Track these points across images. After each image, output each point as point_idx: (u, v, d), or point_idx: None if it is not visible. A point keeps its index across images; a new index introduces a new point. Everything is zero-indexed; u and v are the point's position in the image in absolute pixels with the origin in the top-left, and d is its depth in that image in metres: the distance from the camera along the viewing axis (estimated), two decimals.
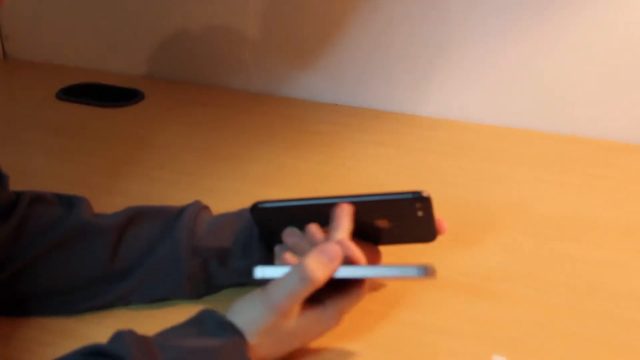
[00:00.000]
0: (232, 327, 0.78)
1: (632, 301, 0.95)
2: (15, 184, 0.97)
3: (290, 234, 0.90)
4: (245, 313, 0.79)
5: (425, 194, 0.88)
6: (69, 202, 0.97)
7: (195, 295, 0.95)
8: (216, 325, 0.78)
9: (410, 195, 0.89)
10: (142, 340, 0.74)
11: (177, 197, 1.18)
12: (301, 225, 0.90)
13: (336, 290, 0.81)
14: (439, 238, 0.96)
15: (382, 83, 1.56)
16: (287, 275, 0.78)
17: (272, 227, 0.92)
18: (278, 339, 0.79)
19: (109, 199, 1.16)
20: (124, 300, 0.94)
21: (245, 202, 1.15)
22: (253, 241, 0.94)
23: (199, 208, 0.97)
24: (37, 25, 1.85)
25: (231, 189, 1.23)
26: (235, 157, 1.36)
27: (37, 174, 1.28)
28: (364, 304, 0.84)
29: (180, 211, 0.96)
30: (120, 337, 0.74)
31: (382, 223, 0.91)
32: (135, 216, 0.96)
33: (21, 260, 0.89)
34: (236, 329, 0.77)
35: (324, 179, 1.26)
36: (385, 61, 1.55)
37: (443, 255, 1.03)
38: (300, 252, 0.87)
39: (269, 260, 0.93)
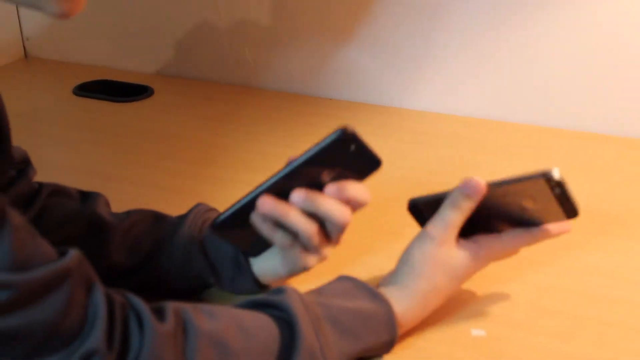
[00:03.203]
0: (381, 295, 0.79)
1: (602, 278, 0.95)
2: (37, 175, 0.95)
3: (265, 202, 0.79)
4: (406, 257, 0.82)
5: (344, 127, 0.77)
6: (87, 198, 0.95)
7: (194, 292, 0.92)
8: (366, 292, 0.79)
9: (336, 136, 0.77)
10: (300, 294, 0.75)
11: (183, 185, 1.22)
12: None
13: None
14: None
15: (372, 78, 1.57)
16: (441, 209, 0.82)
17: (240, 233, 0.84)
18: (442, 271, 0.81)
19: (122, 187, 1.19)
20: None
21: (245, 191, 1.16)
22: (239, 264, 0.89)
23: (199, 216, 0.91)
24: (55, 27, 1.86)
25: (232, 178, 1.22)
26: (237, 148, 1.36)
27: (55, 164, 1.27)
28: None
29: (182, 220, 0.91)
30: (282, 291, 0.75)
31: (331, 174, 0.80)
32: (142, 218, 0.93)
33: None
34: (385, 298, 0.78)
35: None
36: (376, 58, 1.55)
37: None
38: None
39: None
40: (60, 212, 0.92)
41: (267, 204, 0.78)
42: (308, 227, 0.78)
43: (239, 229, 0.82)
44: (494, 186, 0.81)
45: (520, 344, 0.82)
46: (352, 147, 0.78)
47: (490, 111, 1.48)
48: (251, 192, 0.80)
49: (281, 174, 0.79)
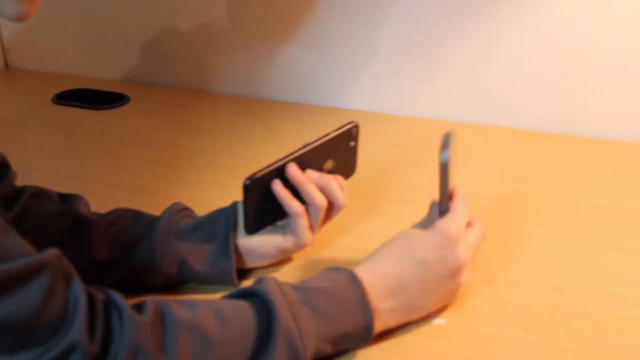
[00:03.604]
0: (346, 270, 0.80)
1: (550, 268, 0.97)
2: (18, 179, 0.96)
3: (293, 168, 0.89)
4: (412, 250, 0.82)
5: (356, 122, 0.92)
6: (67, 199, 0.95)
7: (171, 286, 0.92)
8: (332, 271, 0.81)
9: (349, 126, 0.92)
10: (279, 282, 0.76)
11: (159, 186, 1.22)
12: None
13: None
14: (397, 216, 0.99)
15: (329, 83, 1.59)
16: (458, 212, 0.84)
17: (258, 199, 0.87)
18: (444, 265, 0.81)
19: (102, 190, 1.19)
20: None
21: (216, 191, 1.19)
22: (224, 247, 0.90)
23: (176, 211, 0.93)
24: (35, 38, 1.85)
25: (204, 179, 1.23)
26: (208, 151, 1.36)
27: (36, 169, 1.26)
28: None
29: (160, 215, 0.93)
30: (261, 280, 0.76)
31: (328, 165, 0.91)
32: (122, 215, 0.93)
33: None
34: (350, 271, 0.79)
35: None
36: (333, 65, 1.56)
37: (389, 232, 1.01)
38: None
39: (240, 262, 0.92)
40: (42, 212, 0.92)
41: (295, 170, 0.88)
42: (321, 199, 0.89)
43: (259, 196, 0.87)
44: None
45: (477, 331, 0.83)
46: (352, 143, 0.94)
47: (440, 112, 1.50)
48: (276, 162, 0.88)
49: (300, 152, 0.89)
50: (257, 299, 0.74)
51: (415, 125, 1.47)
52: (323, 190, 0.89)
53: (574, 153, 1.33)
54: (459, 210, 0.84)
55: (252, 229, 0.89)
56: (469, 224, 0.86)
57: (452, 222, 0.83)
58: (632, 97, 1.36)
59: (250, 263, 0.92)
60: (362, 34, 1.51)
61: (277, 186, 0.87)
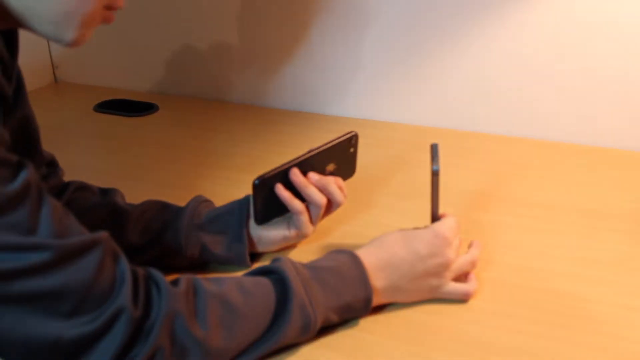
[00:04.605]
0: (349, 251, 0.81)
1: (511, 249, 0.98)
2: (65, 176, 0.99)
3: (296, 172, 0.89)
4: (410, 242, 0.83)
5: (355, 132, 0.92)
6: (106, 192, 0.97)
7: (194, 267, 0.93)
8: (337, 252, 0.82)
9: (349, 135, 0.92)
10: (292, 261, 0.78)
11: (183, 182, 1.24)
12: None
13: None
14: (388, 208, 1.02)
15: (327, 94, 1.59)
16: (451, 220, 0.85)
17: (264, 197, 0.88)
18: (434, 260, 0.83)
19: (134, 185, 1.20)
20: None
21: (231, 185, 1.20)
22: (239, 234, 0.92)
23: (198, 203, 0.94)
24: (79, 57, 1.88)
25: (221, 176, 1.25)
26: (224, 152, 1.37)
27: (80, 167, 1.26)
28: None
29: (184, 206, 0.94)
30: (278, 259, 0.78)
31: (330, 168, 0.92)
32: (152, 206, 0.94)
33: None
34: (352, 253, 0.81)
35: None
36: (330, 78, 1.57)
37: (382, 221, 1.07)
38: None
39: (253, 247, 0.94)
40: (85, 203, 0.94)
41: (296, 174, 0.89)
42: (319, 199, 0.89)
43: (266, 194, 0.88)
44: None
45: (458, 306, 0.85)
46: (351, 149, 0.93)
47: (423, 119, 1.50)
48: (283, 165, 0.88)
49: (306, 156, 0.89)
50: (275, 275, 0.76)
51: (403, 131, 1.48)
52: (323, 191, 0.90)
53: (534, 154, 1.33)
54: (452, 220, 0.86)
55: (260, 221, 0.90)
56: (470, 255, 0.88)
57: (447, 226, 0.84)
58: (589, 105, 1.34)
59: (260, 248, 0.94)
60: (354, 52, 1.51)
61: (280, 189, 0.88)
